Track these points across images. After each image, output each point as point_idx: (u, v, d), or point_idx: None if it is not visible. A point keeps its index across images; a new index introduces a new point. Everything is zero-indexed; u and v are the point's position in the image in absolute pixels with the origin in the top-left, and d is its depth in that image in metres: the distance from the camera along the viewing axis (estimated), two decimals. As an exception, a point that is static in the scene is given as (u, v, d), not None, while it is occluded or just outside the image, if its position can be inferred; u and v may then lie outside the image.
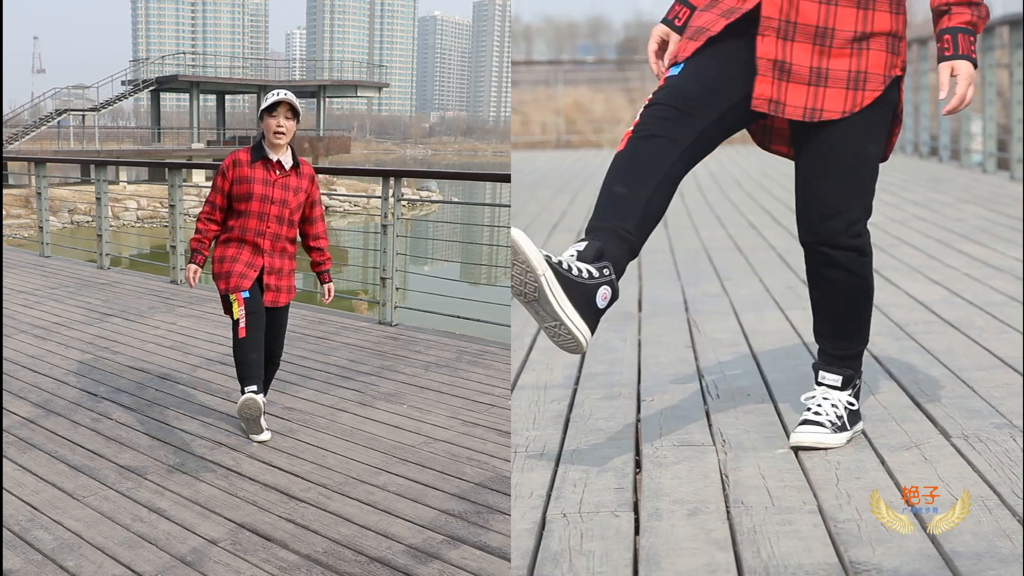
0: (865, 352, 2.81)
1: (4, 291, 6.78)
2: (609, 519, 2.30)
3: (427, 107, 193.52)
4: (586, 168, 13.15)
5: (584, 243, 2.40)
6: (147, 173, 30.17)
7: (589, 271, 2.33)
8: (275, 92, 3.67)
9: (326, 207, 27.89)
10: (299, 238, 3.93)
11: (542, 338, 4.09)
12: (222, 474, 3.30)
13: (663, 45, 2.74)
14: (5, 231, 18.81)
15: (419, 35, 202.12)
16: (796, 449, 2.66)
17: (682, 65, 2.50)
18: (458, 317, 6.29)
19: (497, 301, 6.42)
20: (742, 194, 9.28)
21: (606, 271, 2.36)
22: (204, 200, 3.81)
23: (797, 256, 5.76)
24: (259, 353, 3.62)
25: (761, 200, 8.81)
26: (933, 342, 3.72)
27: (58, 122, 31.56)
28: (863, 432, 2.76)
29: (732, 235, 6.81)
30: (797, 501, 2.34)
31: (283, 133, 3.66)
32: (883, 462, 2.55)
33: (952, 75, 2.49)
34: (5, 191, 22.10)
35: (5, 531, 2.80)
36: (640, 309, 4.58)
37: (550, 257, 2.31)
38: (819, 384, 2.74)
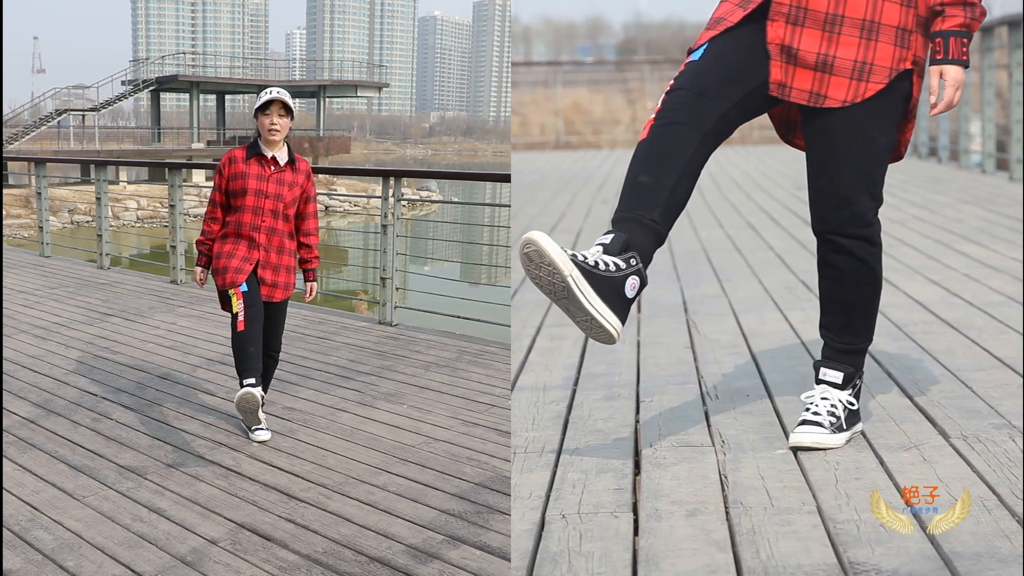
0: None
1: (4, 291, 6.78)
2: (608, 520, 2.30)
3: (427, 107, 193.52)
4: (585, 169, 13.15)
5: (610, 235, 2.42)
6: (147, 173, 30.19)
7: (616, 263, 2.38)
8: (268, 91, 3.72)
9: (326, 207, 27.91)
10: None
11: (541, 339, 4.09)
12: (222, 474, 3.31)
13: None
14: (5, 231, 18.80)
15: (419, 35, 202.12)
16: (795, 449, 2.66)
17: (702, 50, 2.52)
18: (458, 317, 6.29)
19: (497, 301, 6.42)
20: (741, 195, 9.27)
21: (633, 261, 2.39)
22: (207, 200, 3.85)
23: (796, 257, 5.78)
24: (257, 347, 3.64)
25: (760, 201, 8.81)
26: (932, 343, 3.72)
27: (58, 122, 31.57)
28: (862, 432, 2.76)
29: (731, 236, 6.81)
30: (796, 502, 2.34)
31: (277, 131, 3.71)
32: (882, 462, 2.55)
33: (941, 78, 2.50)
34: (5, 191, 22.10)
35: (5, 531, 2.80)
36: (639, 310, 4.59)
37: (576, 255, 2.35)
38: (819, 382, 2.74)
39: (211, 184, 3.87)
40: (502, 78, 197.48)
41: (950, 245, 5.95)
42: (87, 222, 22.46)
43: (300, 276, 3.98)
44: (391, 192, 6.00)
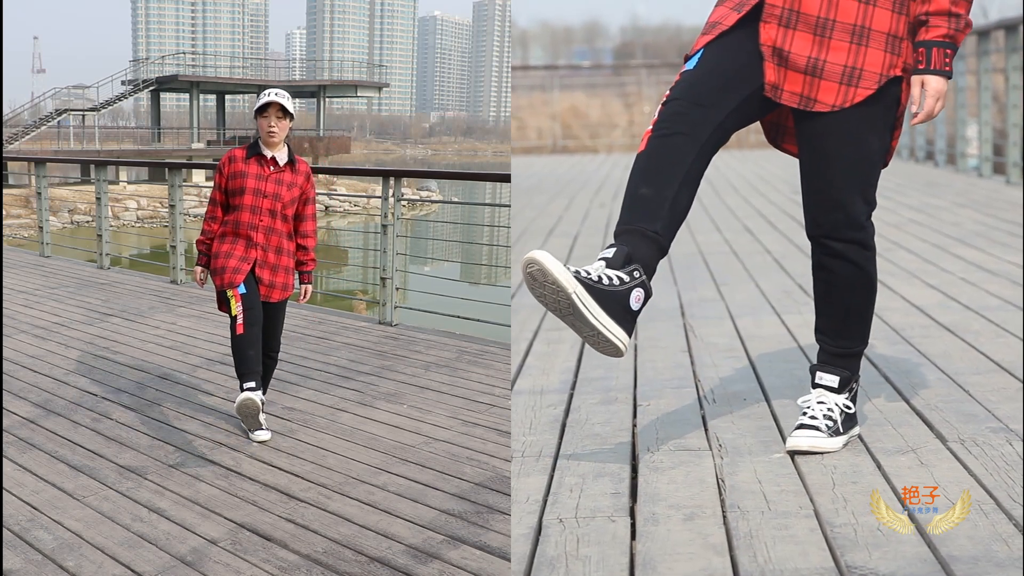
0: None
1: (4, 291, 6.79)
2: (605, 524, 2.30)
3: (427, 107, 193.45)
4: (582, 173, 13.15)
5: (613, 249, 2.44)
6: (147, 173, 30.19)
7: (620, 277, 2.39)
8: (267, 92, 3.73)
9: (326, 207, 27.91)
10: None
11: (539, 343, 4.10)
12: (222, 474, 3.32)
13: None
14: (5, 231, 18.80)
15: (419, 35, 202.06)
16: (792, 453, 2.67)
17: (697, 58, 2.53)
18: (458, 317, 6.31)
19: (497, 301, 6.43)
20: (738, 198, 9.29)
21: (636, 273, 2.41)
22: (207, 200, 3.86)
23: (793, 260, 5.80)
24: (257, 349, 3.65)
25: (757, 204, 8.82)
26: (930, 346, 3.73)
27: (58, 122, 31.56)
28: (859, 436, 2.77)
29: (728, 239, 6.82)
30: (793, 505, 2.35)
31: (275, 132, 3.73)
32: (879, 466, 2.56)
33: (923, 88, 2.51)
34: (5, 191, 22.09)
35: (5, 531, 2.81)
36: (638, 312, 4.59)
37: (579, 272, 2.36)
38: (816, 386, 2.75)
39: (211, 184, 3.89)
40: (502, 78, 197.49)
41: (947, 249, 5.96)
42: (87, 222, 22.46)
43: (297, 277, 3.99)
44: (391, 192, 6.01)
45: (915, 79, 2.52)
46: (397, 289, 6.08)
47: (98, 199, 8.48)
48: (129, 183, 28.10)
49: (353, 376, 4.67)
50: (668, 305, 4.76)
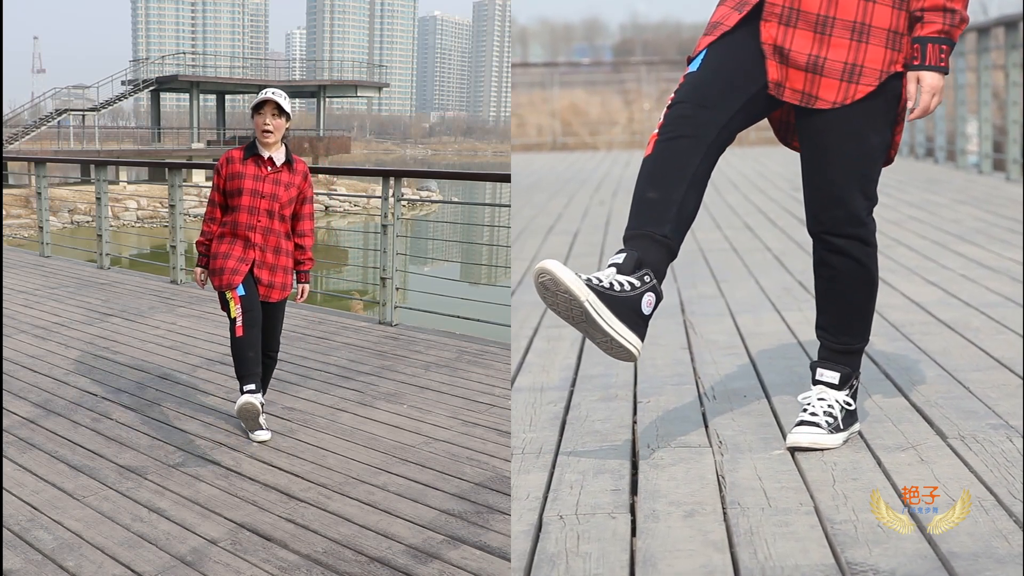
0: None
1: (4, 291, 6.79)
2: (606, 521, 2.30)
3: (427, 107, 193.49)
4: (582, 171, 13.15)
5: (623, 254, 2.44)
6: (147, 173, 30.20)
7: (631, 283, 2.40)
8: (263, 91, 3.72)
9: (326, 207, 27.91)
10: None
11: (539, 340, 4.10)
12: (222, 474, 3.32)
13: None
14: (5, 231, 18.81)
15: (419, 35, 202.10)
16: (792, 450, 2.67)
17: (700, 59, 2.53)
18: (458, 317, 6.31)
19: (497, 301, 6.43)
20: (738, 196, 9.28)
21: (647, 278, 2.42)
22: (206, 200, 3.86)
23: (793, 257, 5.79)
24: (256, 351, 3.65)
25: (757, 201, 8.81)
26: (929, 343, 3.73)
27: (58, 122, 31.57)
28: (859, 433, 2.77)
29: (728, 237, 6.81)
30: (794, 502, 2.35)
31: (271, 131, 3.72)
32: (879, 463, 2.56)
33: (918, 84, 2.51)
34: (5, 191, 22.10)
35: (5, 531, 2.81)
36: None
37: (590, 279, 2.37)
38: (816, 382, 2.75)
39: (211, 184, 3.89)
40: (502, 78, 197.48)
41: (947, 246, 5.96)
42: (87, 222, 22.47)
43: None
44: (391, 192, 6.01)
45: (910, 75, 2.52)
46: (397, 289, 6.08)
47: (98, 199, 8.48)
48: (129, 183, 28.11)
49: (353, 376, 4.67)
50: (668, 302, 4.76)
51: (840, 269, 2.68)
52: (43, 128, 31.41)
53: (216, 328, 5.63)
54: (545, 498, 2.46)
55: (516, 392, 3.41)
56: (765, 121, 2.80)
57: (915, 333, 3.89)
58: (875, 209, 2.69)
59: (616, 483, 2.53)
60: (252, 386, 3.58)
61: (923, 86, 2.50)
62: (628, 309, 2.38)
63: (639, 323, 2.40)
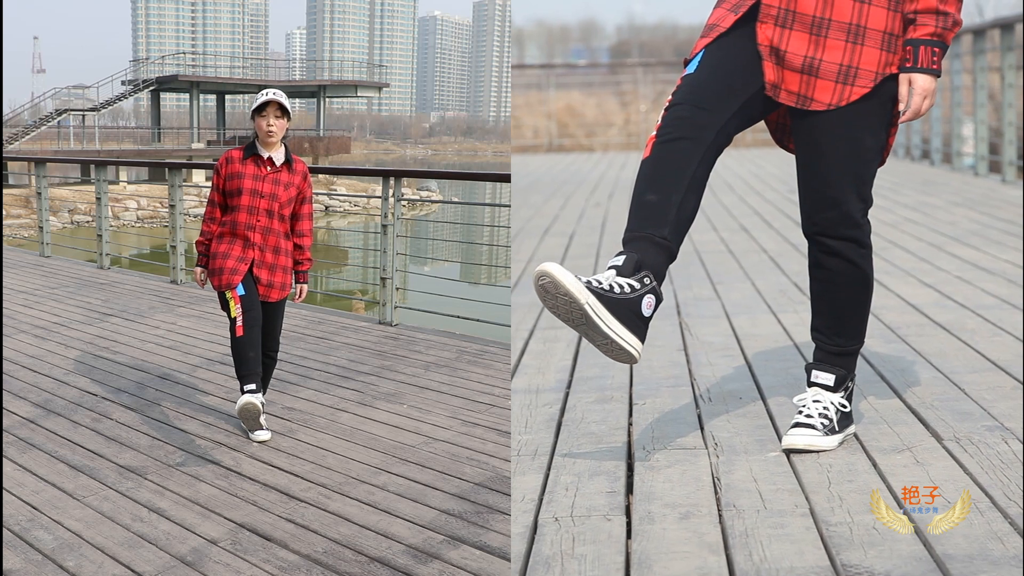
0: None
1: (4, 291, 6.80)
2: (601, 523, 2.31)
3: (427, 107, 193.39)
4: (578, 172, 13.14)
5: (622, 257, 2.45)
6: (147, 173, 30.19)
7: (631, 285, 2.41)
8: (264, 92, 3.74)
9: (326, 207, 27.90)
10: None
11: (535, 341, 4.11)
12: (222, 474, 3.33)
13: None
14: (5, 231, 18.81)
15: (419, 35, 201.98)
16: (788, 452, 2.68)
17: (697, 61, 2.54)
18: (458, 317, 6.32)
19: (497, 301, 6.44)
20: (734, 197, 9.29)
21: (647, 279, 2.43)
22: (206, 200, 3.88)
23: (789, 259, 5.81)
24: (256, 351, 3.66)
25: (753, 203, 8.82)
26: (925, 345, 3.74)
27: (58, 122, 31.56)
28: (855, 435, 2.78)
29: (724, 238, 6.82)
30: (789, 504, 2.36)
31: (273, 132, 3.75)
32: (875, 465, 2.57)
33: (910, 87, 2.53)
34: (5, 191, 22.11)
35: (5, 531, 2.83)
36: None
37: (590, 282, 2.38)
38: (811, 384, 2.76)
39: (211, 184, 3.91)
40: (502, 78, 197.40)
41: (943, 248, 5.97)
42: (87, 222, 22.47)
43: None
44: (391, 192, 6.03)
45: (902, 77, 2.53)
46: (397, 289, 6.09)
47: (98, 199, 8.49)
48: (129, 183, 28.10)
49: (353, 376, 4.68)
50: (664, 304, 4.77)
51: (835, 271, 2.69)
52: (43, 128, 31.40)
53: (216, 328, 5.65)
54: (540, 500, 2.46)
55: (512, 394, 3.42)
56: (761, 123, 2.82)
57: (911, 335, 3.91)
58: (871, 211, 2.70)
59: (612, 485, 2.54)
60: (252, 386, 3.60)
61: (915, 88, 2.52)
62: (628, 311, 2.39)
63: (639, 325, 2.41)
